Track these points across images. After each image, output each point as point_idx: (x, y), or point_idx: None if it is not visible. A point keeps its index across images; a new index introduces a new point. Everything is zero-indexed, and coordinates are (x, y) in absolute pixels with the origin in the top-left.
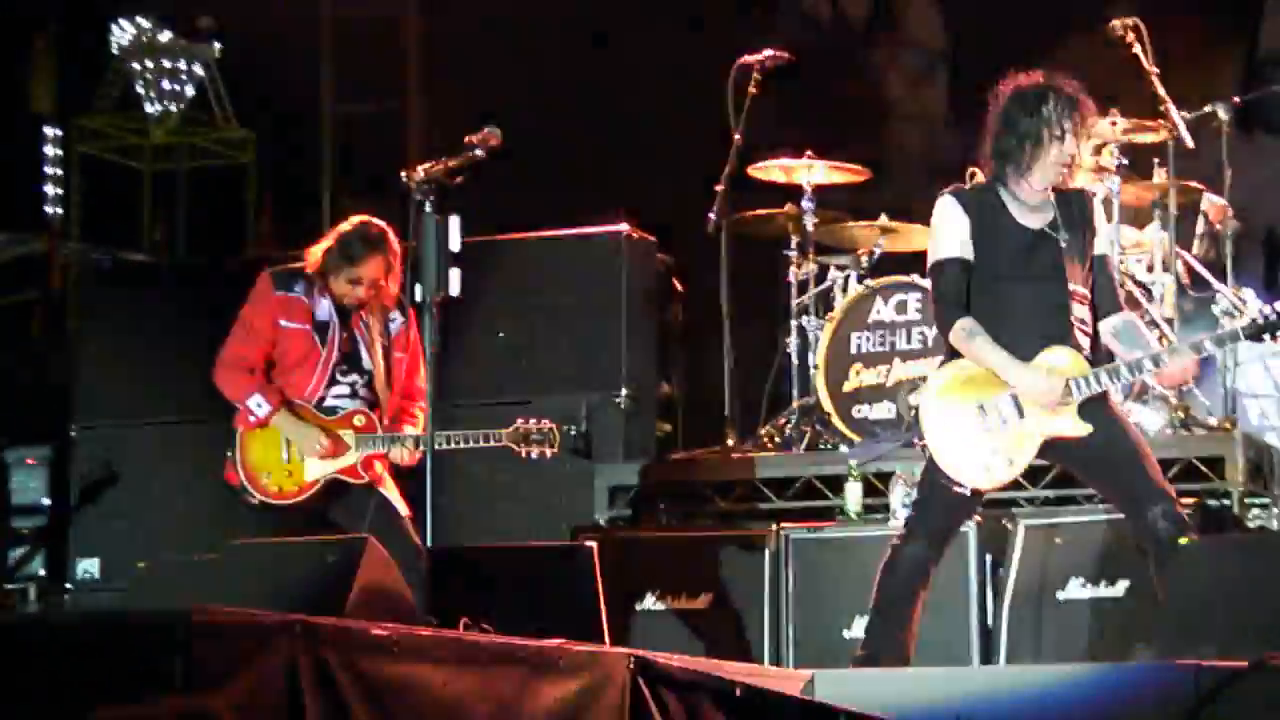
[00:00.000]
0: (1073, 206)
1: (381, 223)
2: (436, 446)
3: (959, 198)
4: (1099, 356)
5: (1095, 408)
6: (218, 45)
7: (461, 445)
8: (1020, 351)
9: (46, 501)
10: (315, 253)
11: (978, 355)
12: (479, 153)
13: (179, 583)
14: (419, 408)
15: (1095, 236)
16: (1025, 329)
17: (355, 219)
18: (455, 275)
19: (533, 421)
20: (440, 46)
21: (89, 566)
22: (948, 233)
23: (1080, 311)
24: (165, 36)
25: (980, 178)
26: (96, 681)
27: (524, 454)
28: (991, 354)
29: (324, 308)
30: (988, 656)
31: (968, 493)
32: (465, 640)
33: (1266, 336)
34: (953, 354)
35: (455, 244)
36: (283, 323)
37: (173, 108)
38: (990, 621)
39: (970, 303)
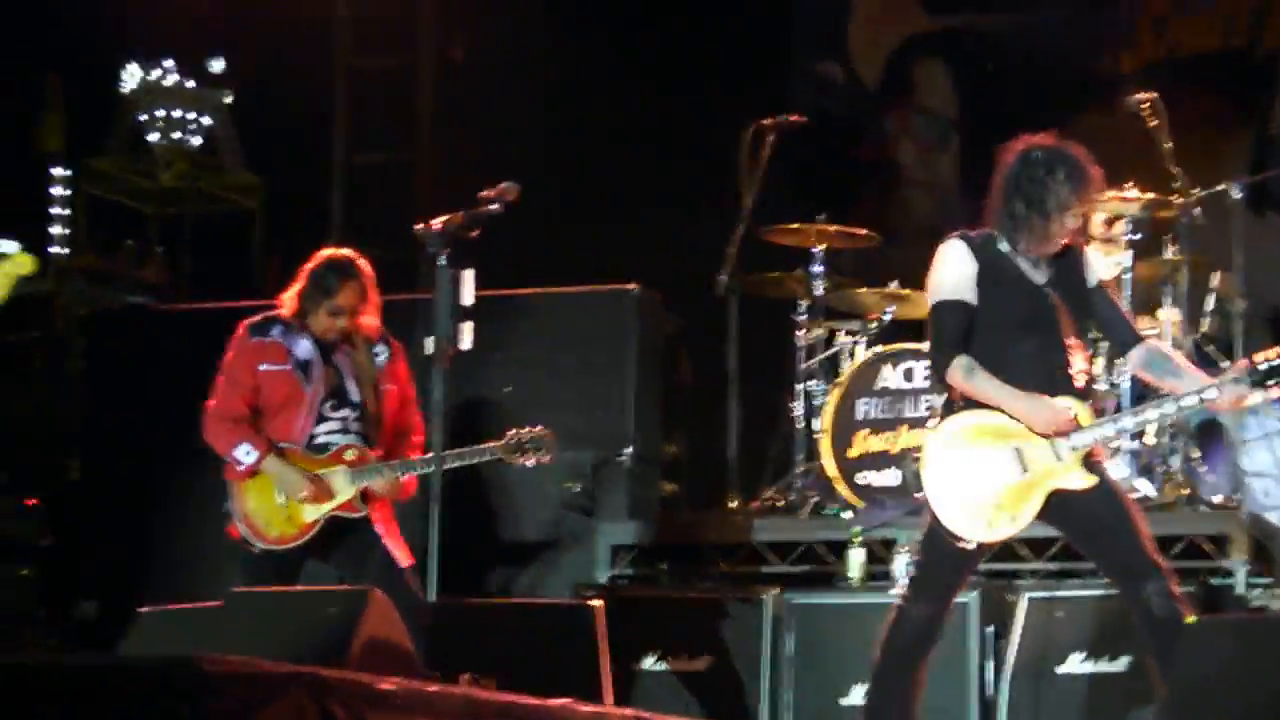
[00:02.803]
0: (1067, 261)
1: (348, 251)
2: (433, 469)
3: (967, 242)
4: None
5: (1096, 471)
6: (229, 91)
7: (458, 465)
8: None
9: (46, 542)
10: (289, 295)
11: (978, 390)
12: (495, 206)
13: (180, 630)
14: (414, 441)
15: (1089, 284)
16: (1027, 380)
17: (322, 253)
18: (467, 329)
19: (525, 429)
20: (453, 99)
21: (88, 609)
22: (952, 275)
23: (1079, 363)
24: (176, 80)
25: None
26: None
27: (521, 463)
28: (993, 388)
29: (304, 347)
30: None
31: (971, 547)
32: (470, 696)
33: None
34: (953, 407)
35: (468, 298)
36: (263, 367)
37: (180, 151)
38: (990, 693)
39: (970, 350)
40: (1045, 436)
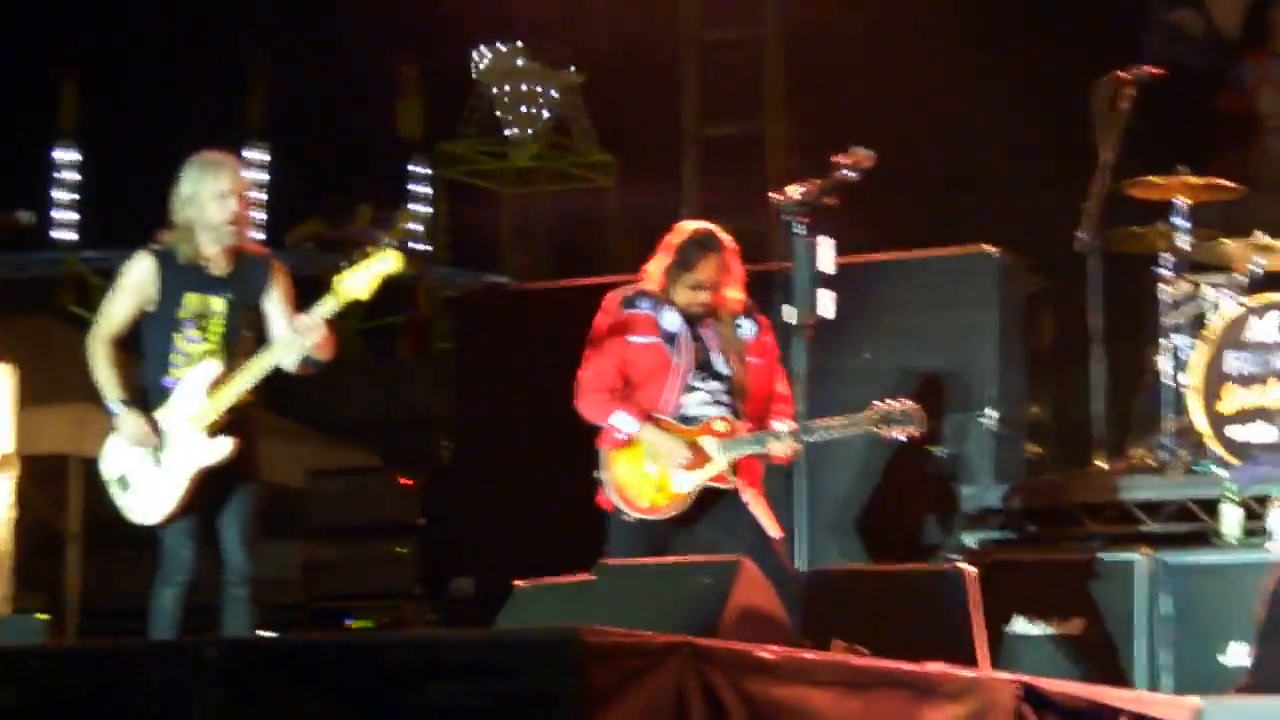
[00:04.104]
0: None
1: (709, 224)
2: (803, 438)
3: None
4: None
5: None
6: (579, 70)
7: (825, 437)
8: None
9: (421, 521)
10: (653, 267)
11: None
12: (850, 174)
13: (554, 603)
14: (784, 411)
15: None
16: None
17: (683, 226)
18: (826, 297)
19: (894, 402)
20: (801, 68)
21: (464, 586)
22: None
23: None
24: (526, 62)
25: None
26: (485, 704)
27: (888, 436)
28: None
29: (670, 319)
30: None
31: None
32: (850, 663)
33: None
34: None
35: (826, 265)
36: (631, 338)
37: (532, 132)
38: None
39: None
40: None
